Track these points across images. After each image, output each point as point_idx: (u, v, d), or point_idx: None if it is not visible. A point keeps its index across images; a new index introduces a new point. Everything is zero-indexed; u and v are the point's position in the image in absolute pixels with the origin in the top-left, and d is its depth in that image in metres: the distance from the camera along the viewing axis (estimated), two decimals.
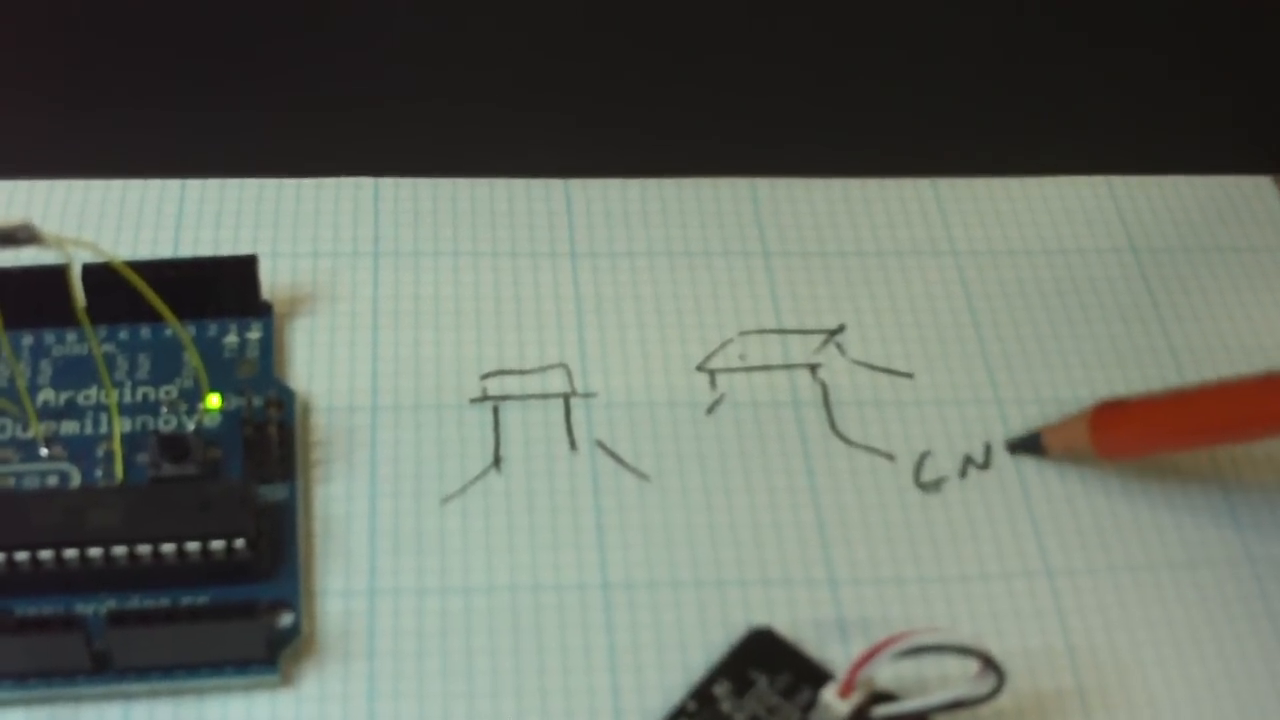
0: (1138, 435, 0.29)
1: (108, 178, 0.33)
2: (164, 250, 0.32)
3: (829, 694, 0.25)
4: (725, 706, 0.26)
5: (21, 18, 0.36)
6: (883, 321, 0.32)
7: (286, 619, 0.26)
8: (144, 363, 0.29)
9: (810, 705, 0.26)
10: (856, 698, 0.25)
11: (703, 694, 0.26)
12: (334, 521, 0.28)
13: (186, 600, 0.26)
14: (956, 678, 0.25)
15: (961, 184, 0.35)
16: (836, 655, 0.27)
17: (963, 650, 0.24)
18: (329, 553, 0.28)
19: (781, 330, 0.32)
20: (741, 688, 0.26)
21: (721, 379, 0.31)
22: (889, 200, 0.34)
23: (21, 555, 0.25)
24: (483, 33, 0.37)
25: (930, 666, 0.26)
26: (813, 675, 0.26)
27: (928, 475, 0.30)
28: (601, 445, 0.30)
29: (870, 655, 0.25)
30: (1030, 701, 0.27)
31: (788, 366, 0.31)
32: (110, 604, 0.26)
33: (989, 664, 0.24)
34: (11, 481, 0.28)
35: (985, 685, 0.25)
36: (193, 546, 0.26)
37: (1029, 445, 0.30)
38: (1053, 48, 0.38)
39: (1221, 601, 0.29)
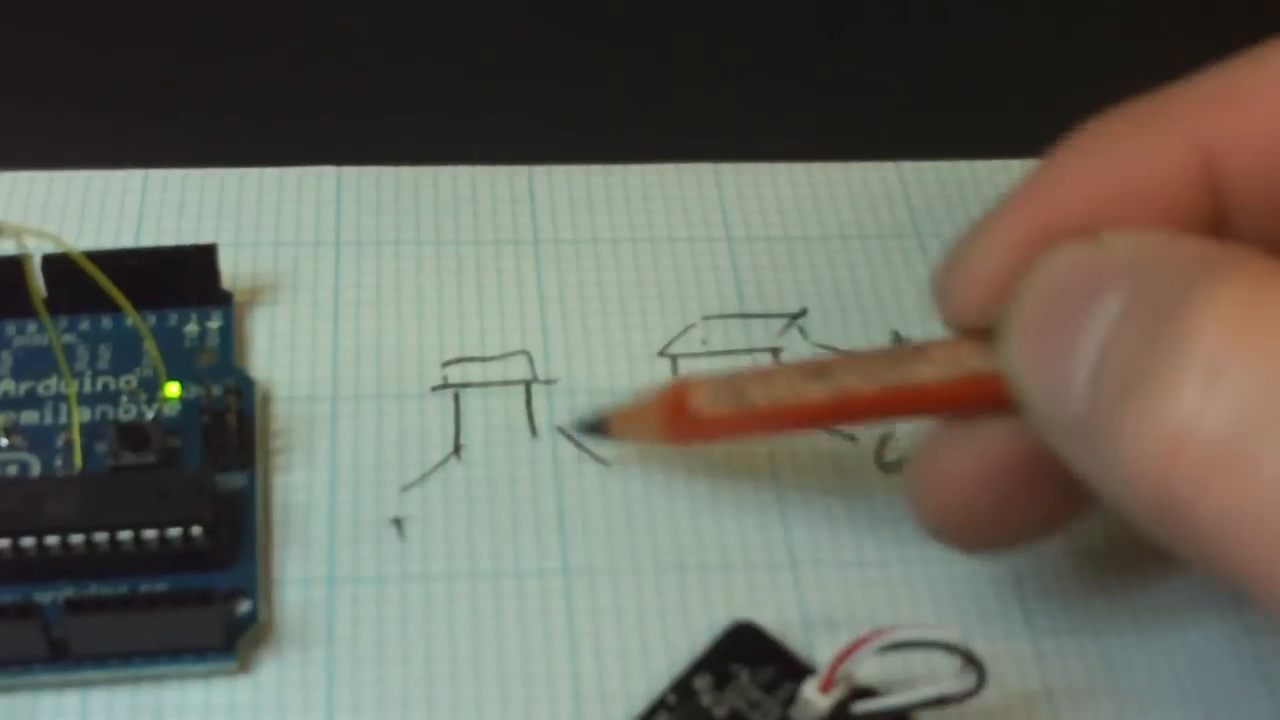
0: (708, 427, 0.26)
1: (68, 169, 0.33)
2: (125, 241, 0.32)
3: (809, 689, 0.25)
4: (705, 700, 0.26)
5: None
6: (845, 305, 0.32)
7: (244, 606, 0.26)
8: (104, 353, 0.29)
9: (792, 700, 0.25)
10: (837, 693, 0.25)
11: (683, 687, 0.26)
12: (293, 510, 0.28)
13: (145, 588, 0.26)
14: (942, 673, 0.25)
15: (926, 167, 0.35)
16: (821, 649, 0.26)
17: (943, 646, 0.24)
18: (288, 541, 0.28)
19: (744, 315, 0.32)
20: (722, 681, 0.26)
21: (684, 364, 0.31)
22: (852, 184, 0.34)
23: None
24: (444, 21, 0.37)
25: (917, 661, 0.26)
26: (795, 670, 0.26)
27: (890, 456, 0.30)
28: (563, 432, 0.30)
29: (851, 651, 0.24)
30: (1012, 691, 0.27)
31: (750, 350, 0.31)
32: (68, 592, 0.26)
33: (970, 661, 0.24)
34: None
35: (966, 682, 0.24)
36: (150, 534, 0.26)
37: (597, 428, 0.28)
38: (1015, 30, 0.38)
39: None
